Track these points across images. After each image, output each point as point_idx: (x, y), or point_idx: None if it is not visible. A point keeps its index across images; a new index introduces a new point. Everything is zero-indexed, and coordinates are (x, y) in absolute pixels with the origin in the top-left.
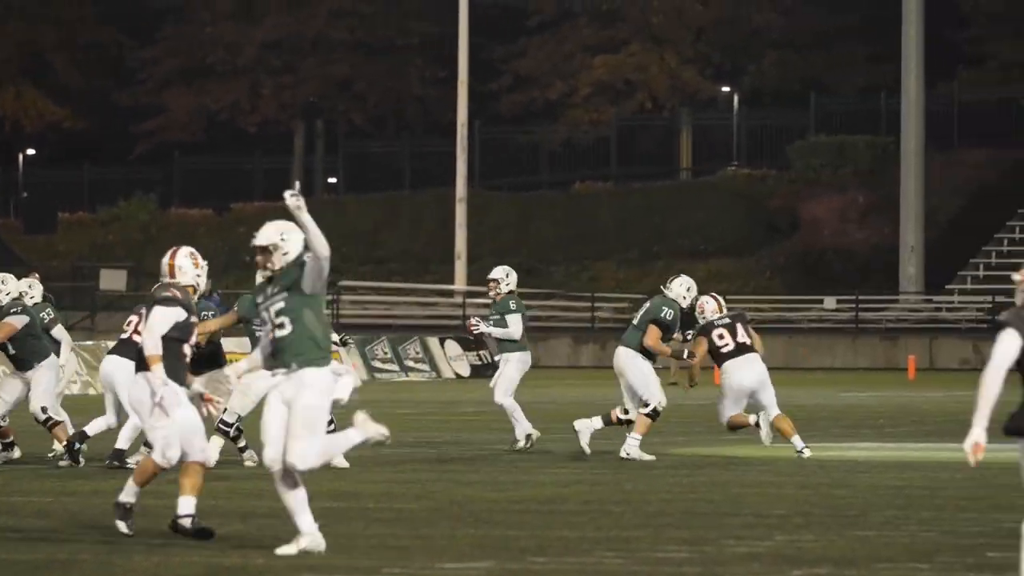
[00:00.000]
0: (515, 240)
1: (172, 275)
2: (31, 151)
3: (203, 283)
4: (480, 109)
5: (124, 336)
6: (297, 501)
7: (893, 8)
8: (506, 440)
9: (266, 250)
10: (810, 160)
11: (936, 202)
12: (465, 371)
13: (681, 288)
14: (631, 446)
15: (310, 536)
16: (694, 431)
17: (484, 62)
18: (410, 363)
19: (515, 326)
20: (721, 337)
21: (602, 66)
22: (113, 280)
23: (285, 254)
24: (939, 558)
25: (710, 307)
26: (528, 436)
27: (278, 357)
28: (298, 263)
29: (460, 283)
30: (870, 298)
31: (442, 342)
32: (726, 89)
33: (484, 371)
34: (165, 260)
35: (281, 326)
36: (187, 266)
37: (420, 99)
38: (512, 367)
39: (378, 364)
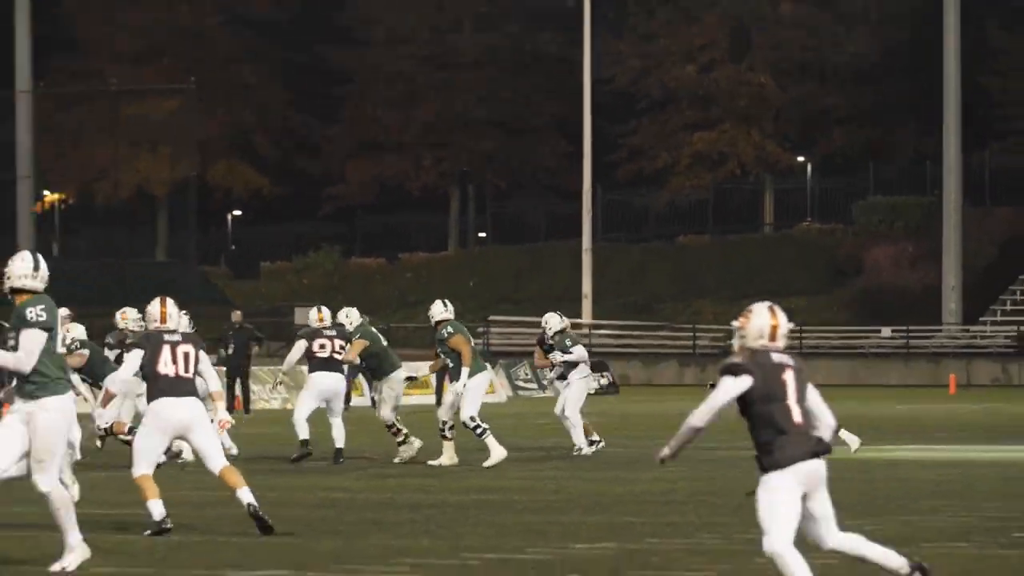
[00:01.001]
0: (631, 283)
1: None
2: (238, 212)
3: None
4: (601, 176)
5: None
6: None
7: (936, 91)
8: (623, 445)
9: None
10: (870, 216)
11: (972, 250)
12: (592, 389)
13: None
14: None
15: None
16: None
17: (604, 138)
18: (546, 383)
19: (578, 352)
20: None
21: (700, 141)
22: (305, 317)
23: None
24: (974, 538)
25: None
26: (594, 442)
27: None
28: None
29: (587, 318)
30: (919, 328)
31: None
32: (801, 158)
33: (607, 390)
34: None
35: None
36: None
37: (552, 169)
38: (578, 386)
39: (521, 383)
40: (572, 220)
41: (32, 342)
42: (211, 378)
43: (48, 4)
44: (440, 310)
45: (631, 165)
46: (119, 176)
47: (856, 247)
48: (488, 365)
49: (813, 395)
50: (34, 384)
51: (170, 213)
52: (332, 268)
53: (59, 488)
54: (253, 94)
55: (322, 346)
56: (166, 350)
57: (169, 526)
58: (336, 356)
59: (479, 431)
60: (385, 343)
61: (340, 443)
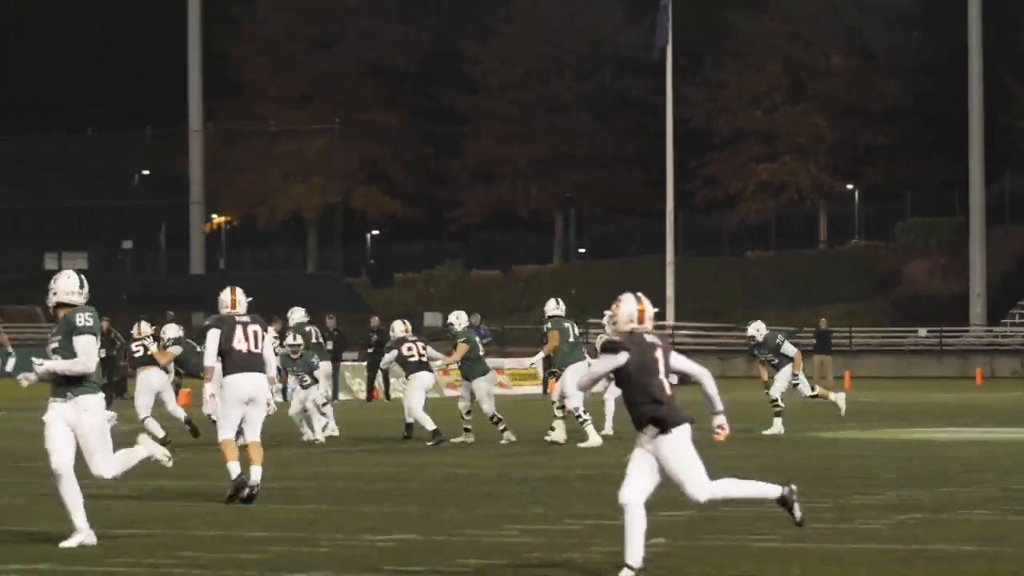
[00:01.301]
0: (706, 291)
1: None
2: (376, 231)
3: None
4: (681, 201)
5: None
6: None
7: (962, 129)
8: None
9: None
10: (908, 235)
11: (994, 262)
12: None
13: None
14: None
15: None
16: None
17: (683, 169)
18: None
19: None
20: None
21: (764, 171)
22: (433, 320)
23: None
24: (1000, 506)
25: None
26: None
27: None
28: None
29: (670, 320)
30: (950, 329)
31: None
32: (850, 186)
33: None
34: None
35: None
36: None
37: (640, 195)
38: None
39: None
40: (657, 238)
41: (90, 346)
42: (270, 362)
43: (216, 56)
44: (552, 307)
45: (706, 192)
46: (276, 202)
47: (896, 261)
48: (587, 357)
49: (679, 359)
50: (79, 385)
51: (319, 233)
52: (455, 279)
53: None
54: (388, 133)
55: (409, 350)
56: (239, 330)
57: (256, 490)
58: (422, 357)
59: (579, 418)
60: (481, 352)
61: (427, 424)
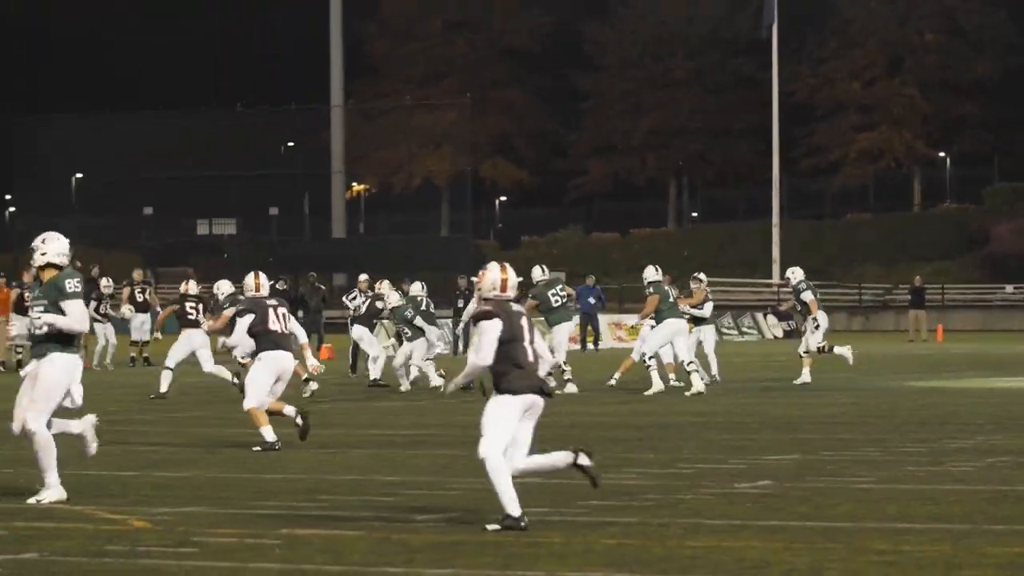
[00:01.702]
0: (810, 251)
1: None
2: (503, 198)
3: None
4: (787, 168)
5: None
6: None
7: None
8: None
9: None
10: (995, 198)
11: None
12: (780, 334)
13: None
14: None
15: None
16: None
17: (788, 138)
18: (745, 329)
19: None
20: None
21: (863, 140)
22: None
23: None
24: None
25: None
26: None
27: None
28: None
29: (775, 279)
30: None
31: (764, 315)
32: (942, 153)
33: (792, 335)
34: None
35: None
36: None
37: (748, 163)
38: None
39: (725, 330)
40: (763, 203)
41: (81, 309)
42: (299, 332)
43: (355, 37)
44: (651, 273)
45: (810, 159)
46: (411, 171)
47: (984, 222)
48: (684, 319)
49: (538, 338)
50: (59, 344)
51: (450, 199)
52: (577, 242)
53: (44, 431)
54: (515, 107)
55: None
56: (271, 312)
57: (279, 447)
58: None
59: (647, 364)
60: (554, 304)
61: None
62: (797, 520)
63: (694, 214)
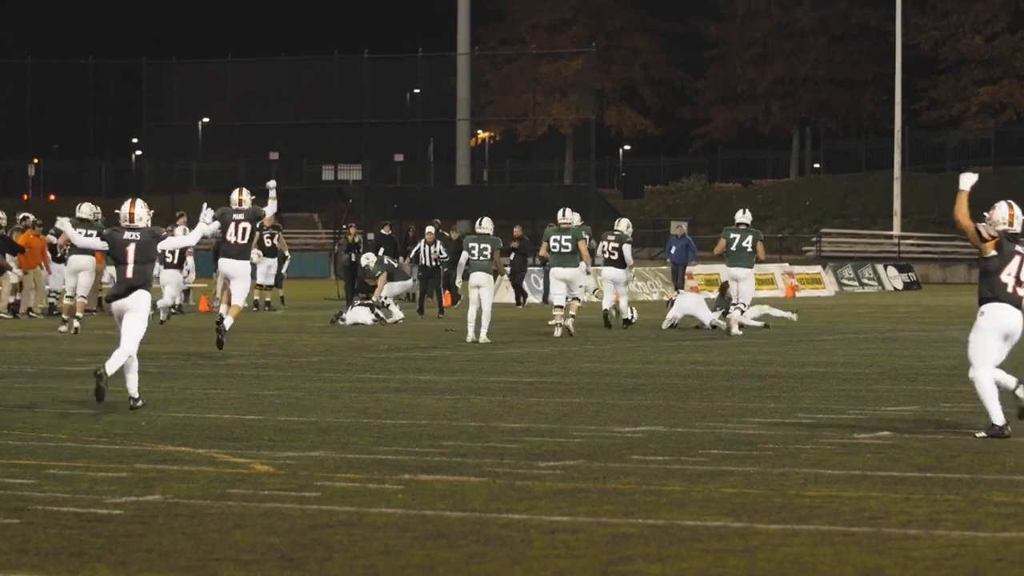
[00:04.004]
0: (931, 203)
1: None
2: (627, 147)
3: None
4: (909, 120)
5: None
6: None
7: None
8: (922, 329)
9: None
10: None
11: None
12: (900, 286)
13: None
14: None
15: None
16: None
17: (911, 91)
18: (865, 280)
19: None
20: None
21: (985, 93)
22: (678, 228)
23: None
24: None
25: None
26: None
27: None
28: None
29: (896, 230)
30: None
31: (884, 267)
32: None
33: (912, 287)
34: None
35: None
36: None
37: (871, 114)
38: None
39: (845, 281)
40: (885, 154)
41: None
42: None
43: None
44: (739, 216)
45: (932, 112)
46: (536, 118)
47: None
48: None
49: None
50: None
51: (574, 147)
52: (700, 190)
53: None
54: (640, 56)
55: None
56: (232, 225)
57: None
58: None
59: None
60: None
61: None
62: (916, 471)
63: (816, 165)
